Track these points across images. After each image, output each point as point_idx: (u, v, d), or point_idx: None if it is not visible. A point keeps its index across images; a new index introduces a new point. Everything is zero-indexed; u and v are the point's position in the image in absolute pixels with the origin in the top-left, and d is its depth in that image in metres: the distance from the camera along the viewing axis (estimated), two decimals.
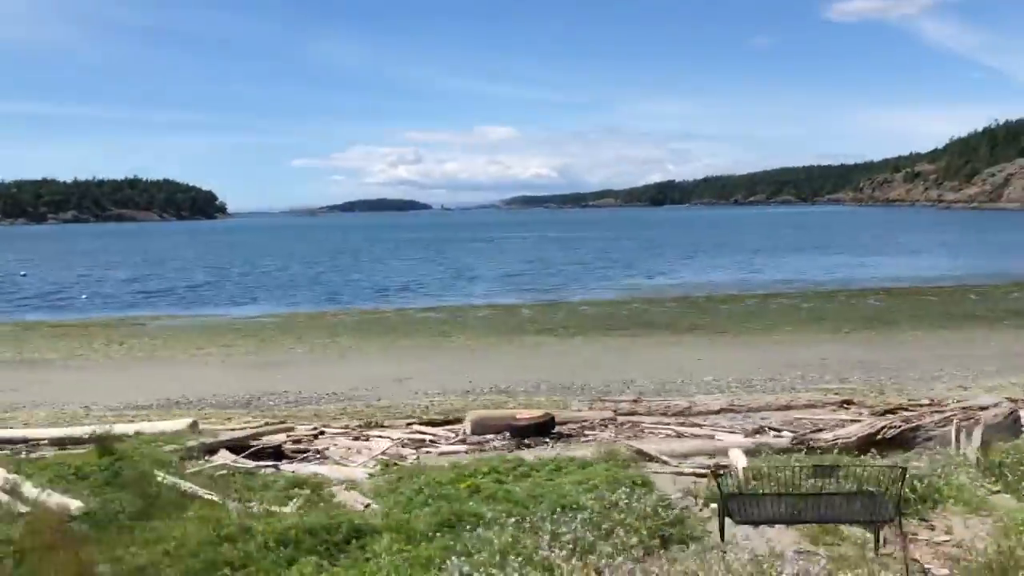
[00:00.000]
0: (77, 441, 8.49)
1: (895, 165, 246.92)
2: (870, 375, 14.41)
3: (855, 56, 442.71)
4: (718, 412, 9.89)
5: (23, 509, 5.70)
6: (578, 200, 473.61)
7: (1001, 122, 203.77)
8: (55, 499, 5.83)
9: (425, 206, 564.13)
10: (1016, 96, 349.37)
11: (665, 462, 7.16)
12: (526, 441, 8.53)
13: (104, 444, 7.41)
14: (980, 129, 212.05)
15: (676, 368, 15.55)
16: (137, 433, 8.50)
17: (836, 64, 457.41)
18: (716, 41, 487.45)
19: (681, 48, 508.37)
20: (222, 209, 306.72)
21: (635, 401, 11.00)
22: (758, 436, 8.41)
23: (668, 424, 9.35)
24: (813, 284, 36.46)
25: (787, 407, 10.16)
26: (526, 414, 9.27)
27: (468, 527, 5.10)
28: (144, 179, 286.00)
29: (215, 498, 5.99)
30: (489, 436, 8.84)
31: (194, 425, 8.91)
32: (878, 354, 17.19)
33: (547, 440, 8.64)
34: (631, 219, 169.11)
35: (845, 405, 10.45)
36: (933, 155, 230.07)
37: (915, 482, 5.64)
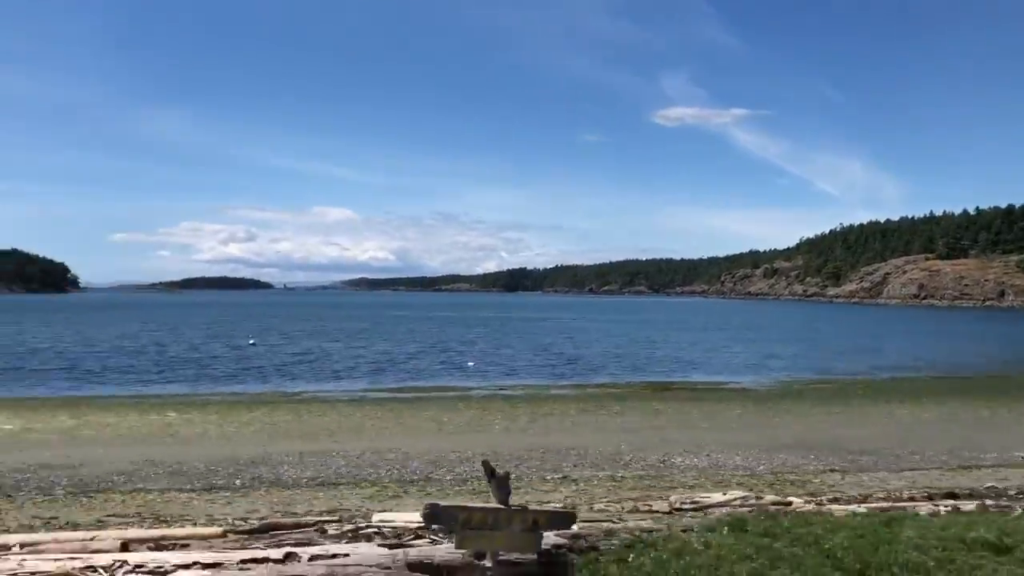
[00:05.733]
0: None
1: (753, 261, 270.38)
2: None
3: (678, 158, 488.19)
4: None
5: None
6: (427, 284, 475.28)
7: (845, 225, 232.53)
8: None
9: (264, 284, 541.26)
10: (815, 199, 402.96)
11: None
12: None
13: None
14: (827, 231, 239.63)
15: None
16: None
17: (661, 165, 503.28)
18: (548, 138, 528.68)
19: (514, 144, 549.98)
20: (74, 283, 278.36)
21: None
22: None
23: None
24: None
25: None
26: None
27: None
28: None
29: None
30: None
31: None
32: None
33: None
34: (549, 304, 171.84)
35: None
36: (787, 253, 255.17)
37: None
